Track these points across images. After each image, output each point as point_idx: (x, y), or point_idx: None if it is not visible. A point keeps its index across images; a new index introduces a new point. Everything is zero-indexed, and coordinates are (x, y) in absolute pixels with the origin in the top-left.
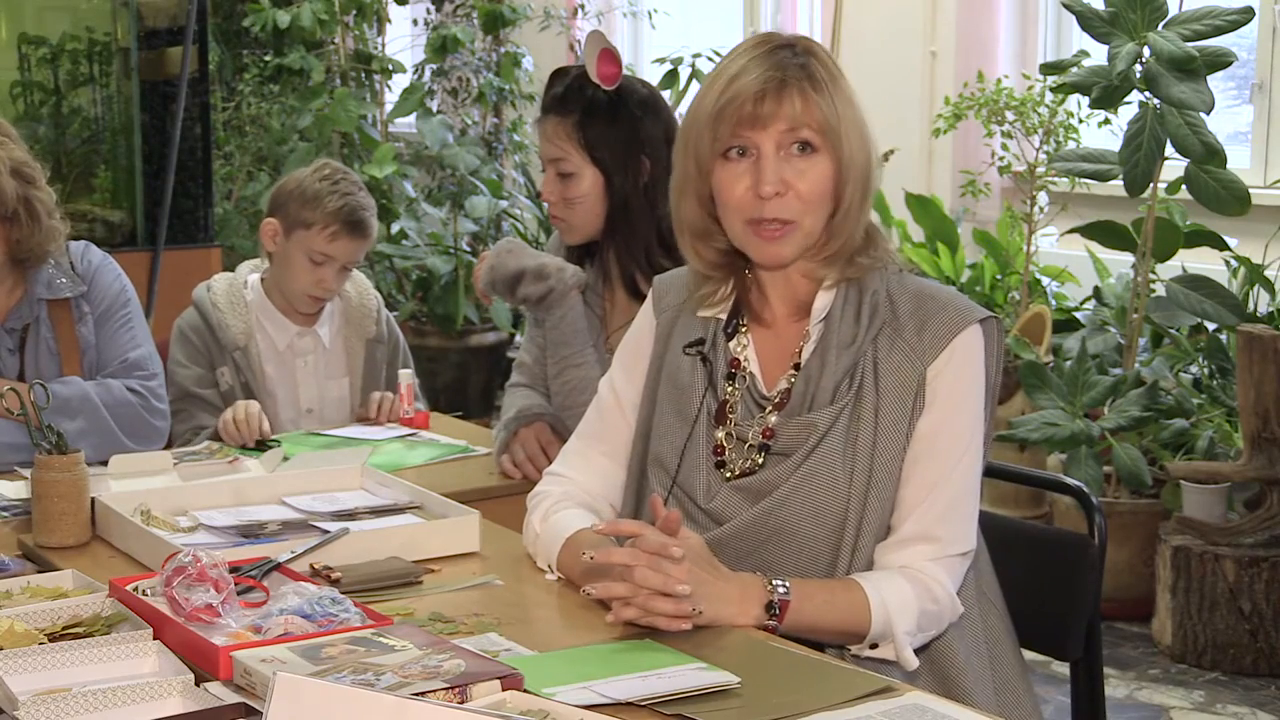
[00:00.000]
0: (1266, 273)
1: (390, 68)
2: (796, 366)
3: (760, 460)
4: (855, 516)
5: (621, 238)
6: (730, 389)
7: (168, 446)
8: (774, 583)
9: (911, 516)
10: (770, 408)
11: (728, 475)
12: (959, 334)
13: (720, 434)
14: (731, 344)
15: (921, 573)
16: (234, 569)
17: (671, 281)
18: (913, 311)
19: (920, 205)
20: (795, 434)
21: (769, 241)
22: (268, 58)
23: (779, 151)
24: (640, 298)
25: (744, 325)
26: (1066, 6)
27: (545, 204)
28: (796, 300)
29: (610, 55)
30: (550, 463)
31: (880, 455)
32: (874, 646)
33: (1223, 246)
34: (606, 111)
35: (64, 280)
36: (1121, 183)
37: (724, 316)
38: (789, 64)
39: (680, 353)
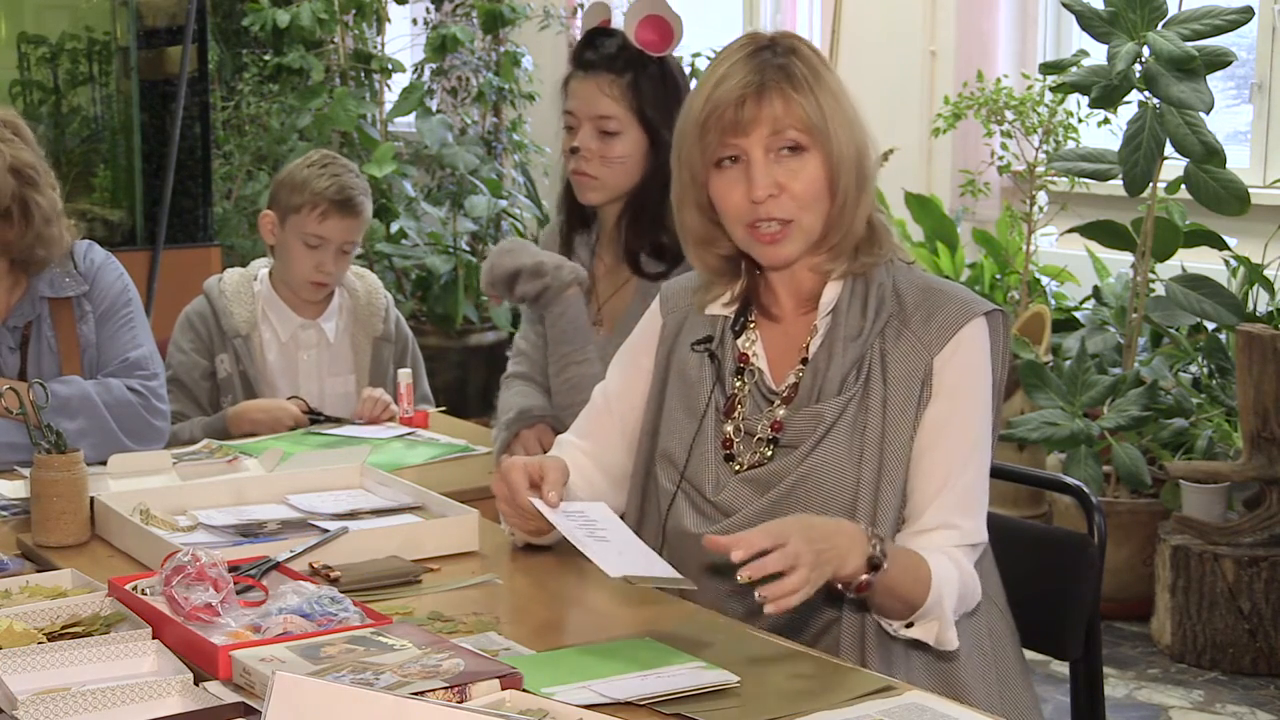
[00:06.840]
0: (1266, 272)
1: (390, 67)
2: (804, 360)
3: (770, 453)
4: (867, 506)
5: (648, 204)
6: (739, 384)
7: None
8: (873, 536)
9: (931, 506)
10: (779, 401)
11: (736, 468)
12: (965, 325)
13: (729, 428)
14: (739, 340)
15: (954, 556)
16: (233, 568)
17: (679, 285)
18: (919, 303)
19: (920, 205)
20: (803, 425)
21: (769, 245)
22: (267, 57)
23: (768, 154)
24: (639, 272)
25: (752, 321)
26: (1066, 6)
27: (572, 158)
28: (804, 294)
29: (660, 22)
30: None
31: (889, 444)
32: (909, 626)
33: (1222, 246)
34: (658, 74)
35: (67, 279)
36: (1121, 182)
37: (731, 314)
38: (767, 66)
39: (689, 350)
